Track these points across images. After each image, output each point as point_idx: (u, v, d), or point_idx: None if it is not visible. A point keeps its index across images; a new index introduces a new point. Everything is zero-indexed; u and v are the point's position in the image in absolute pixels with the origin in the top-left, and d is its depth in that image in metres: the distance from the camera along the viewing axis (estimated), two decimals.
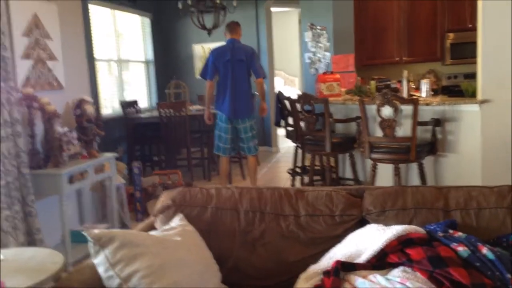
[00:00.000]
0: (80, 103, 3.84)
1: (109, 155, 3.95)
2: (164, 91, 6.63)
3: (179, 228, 1.92)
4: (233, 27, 4.90)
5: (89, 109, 3.84)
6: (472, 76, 6.92)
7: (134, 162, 4.62)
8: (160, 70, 8.01)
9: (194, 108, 6.39)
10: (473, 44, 6.64)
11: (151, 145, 6.54)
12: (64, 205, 3.41)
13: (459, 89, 6.44)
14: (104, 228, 3.93)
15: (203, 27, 6.25)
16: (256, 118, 5.21)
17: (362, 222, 2.04)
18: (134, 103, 6.62)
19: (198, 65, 8.19)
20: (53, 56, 3.83)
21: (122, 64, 6.96)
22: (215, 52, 4.82)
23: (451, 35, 6.72)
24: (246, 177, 6.21)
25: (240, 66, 4.72)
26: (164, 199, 2.19)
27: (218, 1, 6.01)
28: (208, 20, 6.32)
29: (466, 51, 6.75)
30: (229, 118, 4.79)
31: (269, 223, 2.09)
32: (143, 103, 7.49)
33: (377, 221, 2.01)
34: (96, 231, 1.65)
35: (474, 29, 6.63)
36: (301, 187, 2.23)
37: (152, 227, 2.14)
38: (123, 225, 4.34)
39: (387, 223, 1.96)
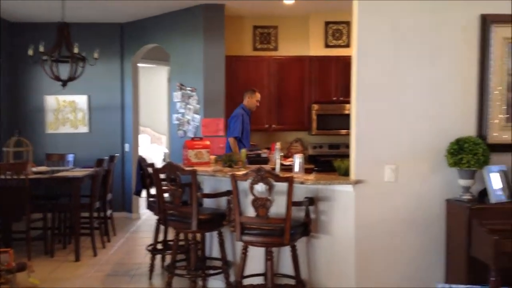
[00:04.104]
0: None
1: None
2: (2, 149, 5.63)
3: None
4: (243, 93, 5.95)
5: None
6: (336, 147, 7.15)
7: None
8: (2, 122, 6.90)
9: (39, 170, 5.46)
10: (337, 116, 7.02)
11: None
12: None
13: (324, 160, 6.58)
14: None
15: (57, 78, 5.48)
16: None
17: None
18: None
19: (50, 118, 7.27)
20: None
21: None
22: None
23: (317, 106, 6.88)
24: (99, 252, 5.39)
25: (228, 126, 5.81)
26: None
27: (76, 51, 5.34)
28: (65, 70, 5.58)
29: (330, 122, 6.96)
30: None
31: None
32: None
33: None
34: None
35: (338, 102, 6.98)
36: None
37: None
38: None
39: None
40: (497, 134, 3.35)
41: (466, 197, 3.16)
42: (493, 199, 3.10)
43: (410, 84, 3.39)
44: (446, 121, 3.36)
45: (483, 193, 3.21)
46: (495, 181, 3.13)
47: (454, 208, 3.23)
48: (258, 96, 5.90)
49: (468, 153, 3.06)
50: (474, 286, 2.97)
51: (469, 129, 3.34)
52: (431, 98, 3.38)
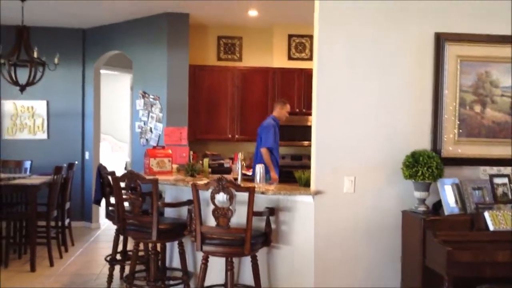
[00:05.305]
0: None
1: None
2: None
3: None
4: (274, 104, 5.92)
5: None
6: (299, 158, 7.22)
7: None
8: None
9: None
10: (301, 127, 7.10)
11: None
12: None
13: (287, 170, 6.63)
14: None
15: (15, 83, 5.34)
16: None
17: None
18: None
19: (7, 124, 7.05)
20: None
21: None
22: None
23: None
24: (56, 262, 5.24)
25: (259, 137, 5.70)
26: None
27: (35, 56, 5.22)
28: (24, 75, 5.44)
29: (294, 133, 7.03)
30: None
31: None
32: None
33: None
34: None
35: (301, 113, 7.07)
36: None
37: None
38: None
39: None
40: (451, 148, 3.49)
41: (421, 208, 3.26)
42: (446, 211, 3.21)
43: (368, 99, 3.49)
44: (402, 135, 3.48)
45: (438, 205, 3.32)
46: (449, 194, 3.25)
47: (410, 219, 3.33)
48: (288, 107, 5.84)
49: (423, 166, 3.16)
50: None
51: (424, 143, 3.47)
52: (388, 113, 3.48)
